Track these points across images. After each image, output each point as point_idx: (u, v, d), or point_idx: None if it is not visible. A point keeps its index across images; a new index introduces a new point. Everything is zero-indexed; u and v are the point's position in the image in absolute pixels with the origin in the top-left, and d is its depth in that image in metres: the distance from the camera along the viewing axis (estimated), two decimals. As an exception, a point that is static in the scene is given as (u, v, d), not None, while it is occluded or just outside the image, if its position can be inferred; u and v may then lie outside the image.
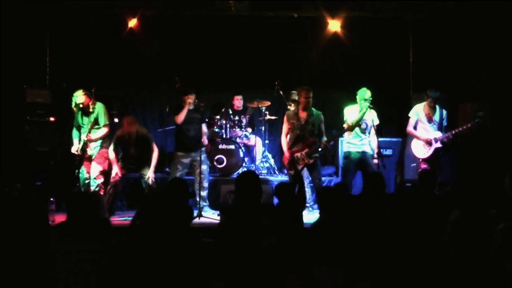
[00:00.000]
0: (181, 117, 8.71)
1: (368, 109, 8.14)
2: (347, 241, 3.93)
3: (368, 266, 3.74)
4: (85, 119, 8.50)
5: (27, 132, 9.56)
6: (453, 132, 8.43)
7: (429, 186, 6.03)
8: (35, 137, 9.60)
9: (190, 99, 8.74)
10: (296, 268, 3.21)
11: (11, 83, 9.57)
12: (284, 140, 8.30)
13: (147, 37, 10.46)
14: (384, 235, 4.50)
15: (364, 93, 8.21)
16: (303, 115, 8.17)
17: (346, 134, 8.42)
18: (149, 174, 8.46)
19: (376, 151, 8.31)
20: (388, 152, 9.44)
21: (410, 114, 8.69)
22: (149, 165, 8.51)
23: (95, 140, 8.50)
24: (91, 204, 4.90)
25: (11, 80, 9.56)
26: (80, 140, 8.47)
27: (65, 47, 10.36)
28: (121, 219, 8.27)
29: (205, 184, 8.90)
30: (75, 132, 8.57)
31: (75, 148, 8.47)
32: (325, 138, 8.20)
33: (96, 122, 8.46)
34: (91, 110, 8.50)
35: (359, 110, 8.23)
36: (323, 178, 9.70)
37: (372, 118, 8.31)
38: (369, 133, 8.39)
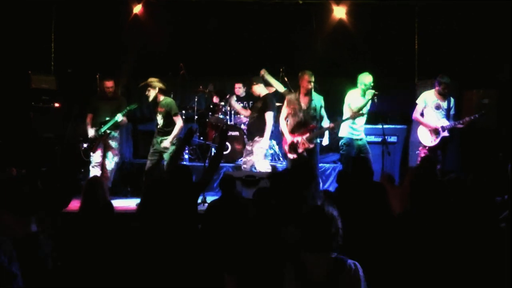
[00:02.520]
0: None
1: (374, 96, 8.10)
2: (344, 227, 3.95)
3: (356, 250, 3.76)
4: (111, 103, 8.71)
5: (32, 118, 9.58)
6: (461, 121, 8.40)
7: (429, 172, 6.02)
8: (40, 123, 9.61)
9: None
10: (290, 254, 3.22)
11: (17, 69, 9.59)
12: (284, 123, 8.27)
13: (151, 23, 10.45)
14: (383, 222, 4.53)
15: (364, 78, 8.17)
16: (305, 100, 8.11)
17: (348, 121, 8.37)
18: (165, 144, 8.35)
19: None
20: (393, 139, 9.43)
21: (417, 101, 8.66)
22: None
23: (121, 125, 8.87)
24: (93, 188, 4.96)
25: (16, 66, 9.57)
26: (98, 125, 8.63)
27: (70, 33, 10.35)
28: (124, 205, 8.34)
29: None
30: (88, 120, 8.74)
31: (92, 133, 8.62)
32: (327, 122, 8.21)
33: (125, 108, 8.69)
34: (116, 96, 8.79)
35: (361, 94, 8.20)
36: (326, 165, 9.75)
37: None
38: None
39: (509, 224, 4.38)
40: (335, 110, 9.00)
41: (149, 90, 8.42)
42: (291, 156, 8.17)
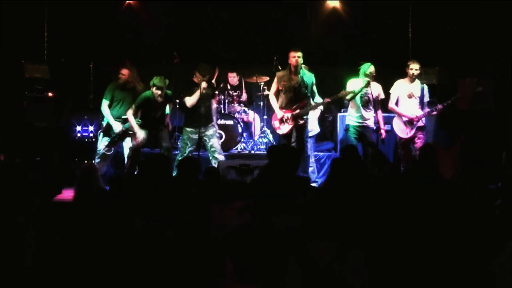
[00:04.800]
0: (193, 101, 8.39)
1: (370, 85, 8.11)
2: (345, 213, 3.96)
3: (360, 235, 3.77)
4: (127, 93, 8.56)
5: (26, 107, 9.54)
6: (435, 108, 8.41)
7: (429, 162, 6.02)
8: (34, 112, 9.57)
9: (205, 82, 8.38)
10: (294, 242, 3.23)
11: (10, 58, 9.54)
12: (274, 99, 8.32)
13: (145, 12, 10.43)
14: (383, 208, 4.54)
15: (367, 68, 8.18)
16: (295, 77, 8.11)
17: (349, 108, 8.43)
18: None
19: (381, 125, 8.35)
20: (387, 127, 9.42)
21: (391, 90, 8.65)
22: (165, 125, 8.61)
23: None
24: (86, 176, 4.98)
25: (9, 55, 9.52)
26: (120, 119, 8.45)
27: (63, 22, 10.29)
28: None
29: (220, 157, 8.52)
30: (107, 109, 8.46)
31: (120, 128, 8.39)
32: (318, 98, 8.30)
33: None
34: (132, 87, 8.61)
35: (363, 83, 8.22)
36: (321, 154, 9.78)
37: (378, 92, 8.35)
38: (373, 107, 8.41)
39: (502, 212, 4.40)
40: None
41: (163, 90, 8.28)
42: (280, 131, 8.27)
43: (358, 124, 8.34)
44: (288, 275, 3.08)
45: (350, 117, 8.43)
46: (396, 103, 8.59)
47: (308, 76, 8.21)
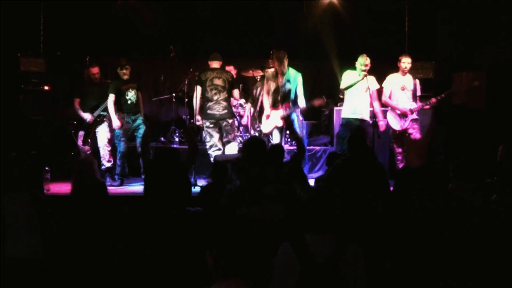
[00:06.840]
0: None
1: (365, 78, 8.11)
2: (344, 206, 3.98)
3: (358, 230, 3.80)
4: (98, 88, 8.71)
5: (22, 100, 9.52)
6: (428, 102, 8.44)
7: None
8: (30, 105, 9.54)
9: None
10: (289, 235, 3.25)
11: (5, 52, 9.49)
12: (266, 97, 8.43)
13: (142, 5, 10.40)
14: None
15: (363, 60, 8.19)
16: (281, 78, 8.20)
17: (344, 101, 8.43)
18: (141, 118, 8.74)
19: (379, 118, 8.34)
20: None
21: (383, 84, 8.67)
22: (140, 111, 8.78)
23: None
24: (83, 169, 5.00)
25: (5, 48, 9.47)
26: (89, 110, 8.64)
27: (59, 15, 10.25)
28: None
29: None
30: (77, 105, 8.71)
31: (89, 117, 8.63)
32: (301, 100, 8.22)
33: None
34: (102, 82, 8.81)
35: (358, 74, 8.22)
36: (317, 148, 9.80)
37: (371, 83, 8.29)
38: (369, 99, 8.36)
39: (498, 206, 4.42)
40: (325, 92, 9.00)
41: (127, 69, 8.56)
42: (263, 129, 8.48)
43: (356, 117, 8.33)
44: (275, 267, 3.10)
45: (349, 109, 8.40)
46: (389, 97, 8.59)
47: (294, 78, 8.21)
